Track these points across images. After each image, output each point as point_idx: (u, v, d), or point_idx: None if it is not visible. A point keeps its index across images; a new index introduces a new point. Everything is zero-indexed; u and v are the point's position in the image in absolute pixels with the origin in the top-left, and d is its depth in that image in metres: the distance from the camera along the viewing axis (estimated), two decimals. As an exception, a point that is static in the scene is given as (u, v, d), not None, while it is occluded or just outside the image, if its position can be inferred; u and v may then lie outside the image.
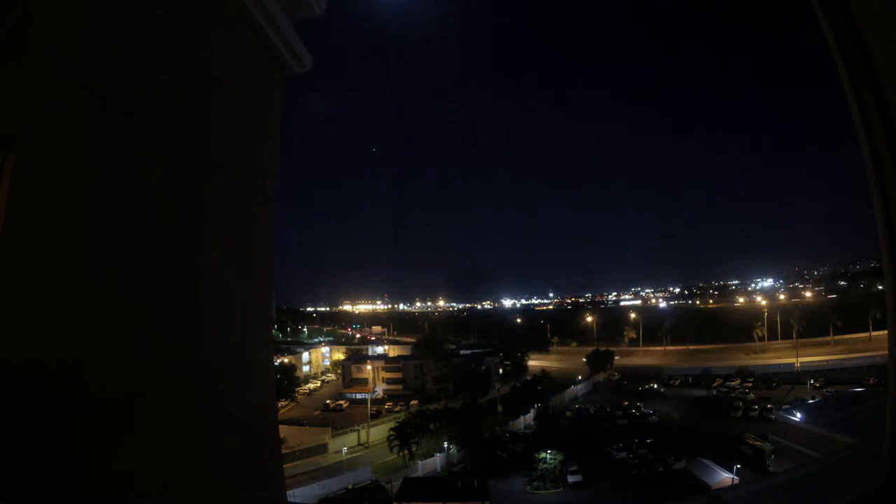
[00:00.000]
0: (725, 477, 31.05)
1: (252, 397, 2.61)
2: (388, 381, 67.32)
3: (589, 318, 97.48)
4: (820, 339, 70.78)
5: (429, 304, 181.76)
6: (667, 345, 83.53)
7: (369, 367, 68.97)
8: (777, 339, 75.95)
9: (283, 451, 34.55)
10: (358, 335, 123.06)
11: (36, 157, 1.47)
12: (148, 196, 1.91)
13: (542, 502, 33.88)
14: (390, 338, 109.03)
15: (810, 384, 54.11)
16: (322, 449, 43.97)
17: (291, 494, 32.45)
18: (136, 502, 1.73)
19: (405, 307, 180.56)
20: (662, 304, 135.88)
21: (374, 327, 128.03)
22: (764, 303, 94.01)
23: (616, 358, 74.40)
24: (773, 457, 31.03)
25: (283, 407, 57.86)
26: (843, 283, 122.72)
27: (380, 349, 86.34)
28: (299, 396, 66.04)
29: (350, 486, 36.88)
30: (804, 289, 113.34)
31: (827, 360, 61.22)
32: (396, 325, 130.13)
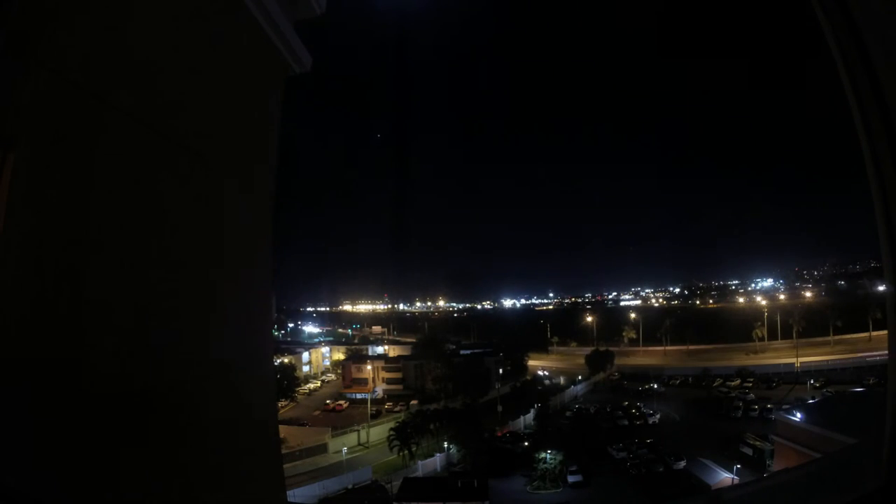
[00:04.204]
0: (725, 477, 31.07)
1: (252, 397, 2.61)
2: (388, 381, 67.32)
3: (589, 318, 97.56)
4: (820, 339, 70.81)
5: (429, 304, 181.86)
6: (667, 345, 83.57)
7: (369, 367, 68.97)
8: (777, 339, 76.00)
9: (283, 451, 34.58)
10: (358, 335, 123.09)
11: (36, 157, 1.47)
12: (148, 196, 1.90)
13: (542, 502, 33.89)
14: (390, 338, 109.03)
15: (810, 384, 54.12)
16: (322, 449, 43.98)
17: (291, 494, 32.45)
18: (136, 502, 1.73)
19: (405, 307, 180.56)
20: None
21: (374, 327, 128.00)
22: (764, 303, 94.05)
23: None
24: (773, 457, 31.07)
25: (283, 407, 57.85)
26: (842, 282, 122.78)
27: (380, 349, 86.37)
28: (299, 396, 66.03)
29: (350, 486, 36.89)
30: (804, 289, 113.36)
31: (827, 360, 61.23)
32: (396, 325, 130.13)
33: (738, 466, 31.93)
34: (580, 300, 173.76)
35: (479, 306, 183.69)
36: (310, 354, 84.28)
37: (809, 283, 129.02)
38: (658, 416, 49.19)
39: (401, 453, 40.97)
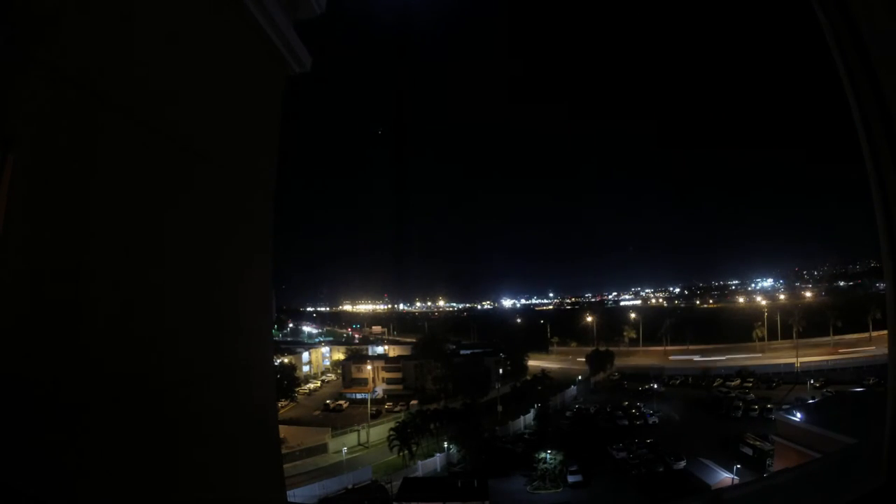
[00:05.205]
0: (725, 477, 31.05)
1: (252, 397, 2.61)
2: (388, 381, 67.30)
3: (589, 318, 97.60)
4: (820, 339, 70.83)
5: (429, 304, 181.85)
6: (667, 345, 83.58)
7: (369, 367, 68.95)
8: (777, 339, 76.01)
9: (283, 451, 34.54)
10: (358, 335, 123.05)
11: (36, 157, 1.47)
12: (148, 195, 1.90)
13: (542, 502, 33.90)
14: (390, 338, 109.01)
15: (810, 384, 54.12)
16: (322, 449, 43.98)
17: (291, 494, 32.46)
18: (135, 501, 1.73)
19: (405, 307, 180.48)
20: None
21: (374, 327, 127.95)
22: (764, 303, 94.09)
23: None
24: (773, 457, 31.06)
25: (283, 407, 57.84)
26: (842, 282, 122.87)
27: (380, 349, 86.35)
28: (299, 396, 66.03)
29: (350, 486, 36.88)
30: (804, 289, 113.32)
31: (827, 360, 61.22)
32: (396, 325, 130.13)
33: (738, 466, 31.92)
34: (580, 300, 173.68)
35: (479, 306, 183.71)
36: (310, 354, 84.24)
37: (809, 283, 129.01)
38: (658, 416, 49.20)
39: (401, 453, 40.98)
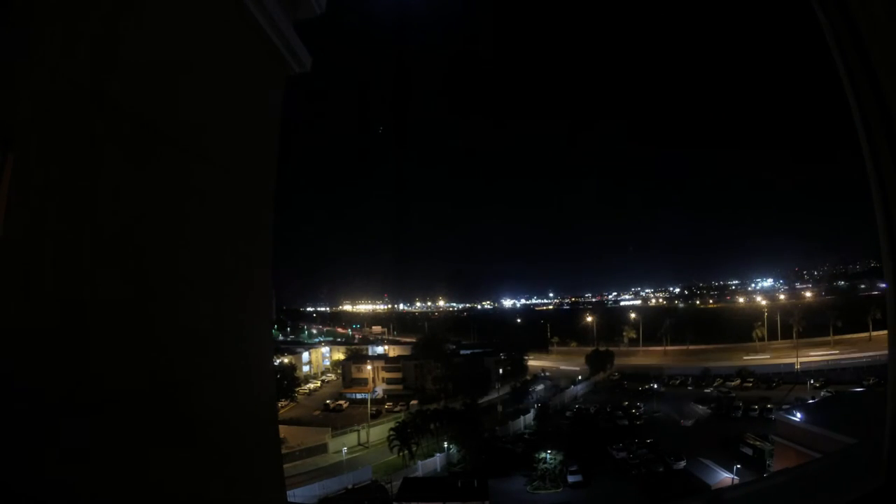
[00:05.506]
0: (725, 477, 31.08)
1: (252, 397, 2.61)
2: (388, 381, 67.35)
3: (589, 318, 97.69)
4: (820, 339, 70.84)
5: (429, 304, 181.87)
6: (667, 345, 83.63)
7: (369, 367, 69.01)
8: (777, 339, 76.03)
9: (283, 451, 34.56)
10: (358, 335, 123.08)
11: (36, 157, 1.47)
12: (147, 196, 1.90)
13: (542, 502, 33.91)
14: (390, 338, 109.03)
15: (810, 384, 54.15)
16: (322, 449, 44.01)
17: (291, 494, 32.47)
18: (135, 501, 1.73)
19: (405, 307, 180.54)
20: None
21: (374, 327, 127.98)
22: (764, 303, 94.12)
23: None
24: (773, 457, 31.09)
25: (283, 407, 57.87)
26: (842, 282, 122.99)
27: (380, 349, 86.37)
28: (299, 396, 66.07)
29: (350, 486, 36.91)
30: (804, 289, 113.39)
31: (827, 360, 61.25)
32: (396, 325, 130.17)
33: (738, 466, 31.95)
34: (580, 300, 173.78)
35: (479, 306, 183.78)
36: (310, 354, 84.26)
37: (809, 283, 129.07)
38: (658, 416, 49.26)
39: (401, 453, 41.01)
